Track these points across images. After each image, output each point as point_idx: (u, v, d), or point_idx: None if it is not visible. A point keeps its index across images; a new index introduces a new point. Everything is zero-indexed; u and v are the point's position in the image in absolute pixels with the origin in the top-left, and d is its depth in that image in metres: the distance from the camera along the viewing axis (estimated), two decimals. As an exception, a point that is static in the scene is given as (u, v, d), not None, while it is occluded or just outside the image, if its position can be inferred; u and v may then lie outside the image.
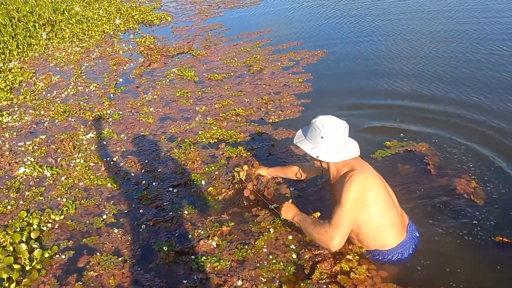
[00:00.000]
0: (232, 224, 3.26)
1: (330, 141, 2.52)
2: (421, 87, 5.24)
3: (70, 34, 8.97)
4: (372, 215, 2.55)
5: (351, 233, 2.66)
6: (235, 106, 5.22)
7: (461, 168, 3.62)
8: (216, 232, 3.19)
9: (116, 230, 3.35)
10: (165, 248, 3.08)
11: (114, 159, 4.36)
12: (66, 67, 7.31)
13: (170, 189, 3.80)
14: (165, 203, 3.61)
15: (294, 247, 2.96)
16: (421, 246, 2.75)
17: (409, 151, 3.93)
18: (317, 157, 2.54)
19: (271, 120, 4.77)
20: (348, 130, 2.57)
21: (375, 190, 2.51)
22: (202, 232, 3.23)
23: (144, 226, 3.36)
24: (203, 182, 3.82)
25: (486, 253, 2.76)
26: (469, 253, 2.78)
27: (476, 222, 3.00)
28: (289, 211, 2.82)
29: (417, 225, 2.84)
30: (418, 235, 2.78)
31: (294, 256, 2.89)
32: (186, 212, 3.48)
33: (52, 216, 3.53)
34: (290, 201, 2.92)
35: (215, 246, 3.07)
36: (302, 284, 2.66)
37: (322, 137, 2.52)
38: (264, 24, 8.77)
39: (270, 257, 2.91)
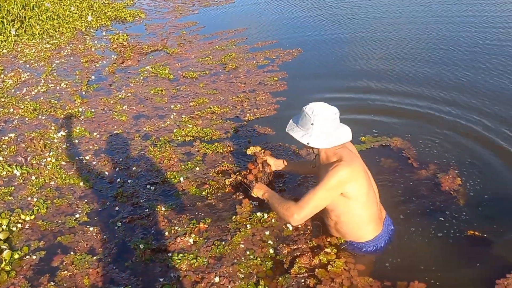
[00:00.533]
0: (209, 220, 3.25)
1: (321, 127, 2.53)
2: (390, 83, 5.41)
3: (40, 31, 8.73)
4: (352, 207, 2.62)
5: (330, 221, 2.77)
6: (210, 104, 5.19)
7: (437, 162, 3.75)
8: (193, 229, 3.17)
9: (90, 229, 3.28)
10: (141, 245, 3.05)
11: (87, 157, 4.27)
12: (36, 64, 7.12)
13: (148, 186, 3.76)
14: (141, 201, 3.57)
15: (271, 243, 2.97)
16: (397, 241, 2.84)
17: (383, 145, 4.03)
18: (308, 143, 2.56)
19: (246, 118, 4.78)
20: (338, 115, 2.59)
21: (357, 183, 2.56)
22: (179, 229, 3.20)
23: (120, 223, 3.32)
24: (181, 179, 3.79)
25: (458, 246, 2.85)
26: (442, 247, 2.85)
27: (449, 216, 3.10)
28: (260, 189, 2.99)
29: (392, 219, 2.92)
30: (392, 228, 2.86)
31: (271, 251, 2.90)
32: (163, 209, 3.44)
33: (22, 216, 3.43)
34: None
35: (192, 243, 3.05)
36: (280, 278, 2.68)
37: (312, 124, 2.53)
38: (239, 22, 8.75)
39: (248, 252, 2.91)
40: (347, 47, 6.80)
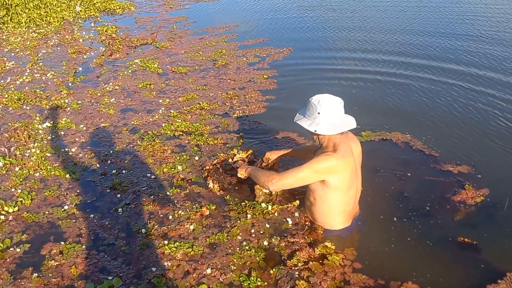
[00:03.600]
0: (213, 207, 3.28)
1: (327, 115, 2.66)
2: (381, 81, 5.47)
3: (26, 19, 8.57)
4: (330, 196, 2.78)
5: (307, 201, 2.98)
6: (199, 100, 5.16)
7: (438, 158, 3.81)
8: (196, 213, 3.21)
9: (80, 219, 3.24)
10: (143, 230, 3.07)
11: (73, 149, 4.20)
12: (21, 53, 6.98)
13: (148, 175, 3.75)
14: (143, 188, 3.57)
15: (269, 235, 2.99)
16: (393, 242, 2.90)
17: (384, 139, 4.14)
18: (315, 131, 2.68)
19: (235, 115, 4.76)
20: (343, 105, 2.72)
21: (341, 177, 2.69)
22: (182, 213, 3.25)
23: (121, 210, 3.32)
24: (179, 167, 3.80)
25: (452, 251, 2.84)
26: (436, 252, 2.83)
27: (443, 219, 3.10)
28: (242, 168, 3.21)
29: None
30: (360, 223, 3.03)
31: (265, 243, 2.92)
32: (168, 193, 3.48)
33: (6, 208, 3.35)
34: None
35: (191, 230, 3.07)
36: (273, 270, 2.69)
37: (318, 113, 2.67)
38: (230, 19, 8.73)
39: (244, 243, 2.94)
40: (337, 47, 6.83)
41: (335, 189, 2.73)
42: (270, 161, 3.39)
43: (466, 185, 3.40)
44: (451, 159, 3.78)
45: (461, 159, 3.78)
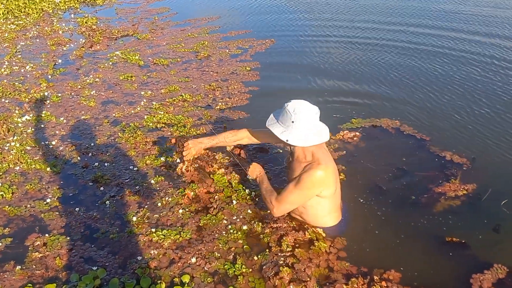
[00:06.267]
0: (198, 188, 3.30)
1: (301, 125, 2.59)
2: (362, 72, 5.54)
3: (4, 11, 8.38)
4: (321, 204, 2.80)
5: (296, 211, 2.92)
6: (182, 91, 5.14)
7: (431, 144, 3.90)
8: (182, 197, 3.26)
9: (63, 212, 3.23)
10: (134, 218, 3.11)
11: (53, 142, 4.16)
12: (-1, 46, 6.85)
13: (131, 167, 3.74)
14: (126, 180, 3.57)
15: (253, 221, 3.04)
16: (379, 231, 2.95)
17: (374, 126, 4.24)
18: (287, 140, 2.62)
19: (218, 107, 4.76)
20: (319, 115, 2.66)
21: (329, 186, 2.70)
22: (170, 199, 3.29)
23: (109, 202, 3.32)
24: (162, 158, 3.81)
25: (436, 243, 2.87)
26: (421, 242, 2.87)
27: (431, 212, 3.13)
28: (255, 170, 3.03)
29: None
30: (346, 214, 3.05)
31: (245, 228, 2.98)
32: (152, 182, 3.51)
33: (-15, 202, 3.32)
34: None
35: (181, 215, 3.12)
36: (257, 257, 2.74)
37: (293, 122, 2.59)
38: (213, 10, 8.68)
39: (229, 227, 2.99)
40: (320, 39, 6.86)
41: (326, 196, 2.73)
42: (191, 156, 3.19)
43: (452, 179, 3.40)
44: (442, 143, 3.88)
45: (452, 144, 3.88)
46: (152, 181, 3.53)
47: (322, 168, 2.59)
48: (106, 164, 3.81)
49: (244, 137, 3.18)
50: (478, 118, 4.36)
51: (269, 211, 2.89)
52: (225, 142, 3.25)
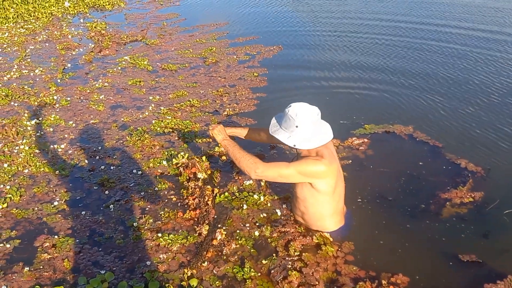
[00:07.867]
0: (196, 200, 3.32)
1: (305, 129, 2.62)
2: (373, 79, 5.55)
3: (14, 15, 8.47)
4: (321, 201, 2.80)
5: (298, 211, 2.97)
6: (189, 97, 5.16)
7: (442, 151, 3.90)
8: (187, 204, 3.28)
9: (70, 215, 3.25)
10: (134, 224, 3.11)
11: (62, 146, 4.18)
12: (9, 49, 6.91)
13: (134, 171, 3.75)
14: (131, 185, 3.58)
15: (263, 225, 3.06)
16: (389, 236, 2.96)
17: (387, 132, 4.25)
18: (294, 145, 2.65)
19: (226, 112, 4.77)
20: (320, 115, 2.68)
21: (328, 181, 2.71)
22: (171, 206, 3.32)
23: (113, 206, 3.33)
24: (164, 162, 3.83)
25: (449, 249, 2.86)
26: (432, 257, 2.84)
27: (442, 218, 3.12)
28: (220, 133, 3.06)
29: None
30: (351, 221, 3.06)
31: (256, 233, 2.98)
32: (156, 189, 3.52)
33: (-6, 204, 3.34)
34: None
35: (188, 218, 3.14)
36: (265, 261, 2.76)
37: (297, 126, 2.61)
38: (221, 16, 8.71)
39: (238, 231, 3.00)
40: (329, 46, 6.86)
41: (325, 192, 2.74)
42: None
43: (460, 186, 3.37)
44: (455, 151, 3.86)
45: (464, 151, 3.86)
46: (156, 188, 3.54)
47: (324, 162, 2.63)
48: (112, 167, 3.83)
49: (264, 136, 3.23)
50: (499, 130, 4.26)
51: (241, 171, 2.92)
52: (248, 136, 3.35)
